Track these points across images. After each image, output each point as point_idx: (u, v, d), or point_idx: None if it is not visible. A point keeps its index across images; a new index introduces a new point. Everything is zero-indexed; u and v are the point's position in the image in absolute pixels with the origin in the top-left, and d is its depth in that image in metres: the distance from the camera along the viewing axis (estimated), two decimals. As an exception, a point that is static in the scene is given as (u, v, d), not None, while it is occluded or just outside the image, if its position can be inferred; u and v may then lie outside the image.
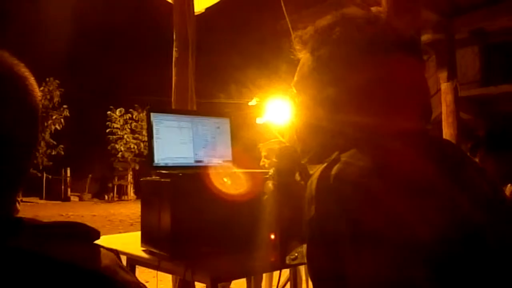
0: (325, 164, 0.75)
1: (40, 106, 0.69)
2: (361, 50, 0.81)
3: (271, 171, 1.29)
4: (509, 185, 2.06)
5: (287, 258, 1.09)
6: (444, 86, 5.03)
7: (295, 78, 0.91)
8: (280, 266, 1.29)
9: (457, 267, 0.68)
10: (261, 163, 3.54)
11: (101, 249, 0.64)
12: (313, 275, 0.77)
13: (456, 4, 4.94)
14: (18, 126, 0.63)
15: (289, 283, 3.05)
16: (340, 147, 0.78)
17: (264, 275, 3.51)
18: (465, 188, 0.77)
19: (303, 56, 0.89)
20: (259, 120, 7.92)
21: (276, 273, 3.29)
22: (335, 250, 0.70)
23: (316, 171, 0.76)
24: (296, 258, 1.08)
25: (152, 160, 1.70)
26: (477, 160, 2.06)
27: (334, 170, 0.73)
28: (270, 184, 1.24)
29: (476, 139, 2.23)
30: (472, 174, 0.82)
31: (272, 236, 1.20)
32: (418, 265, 0.66)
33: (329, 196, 0.72)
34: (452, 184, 0.76)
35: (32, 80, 0.68)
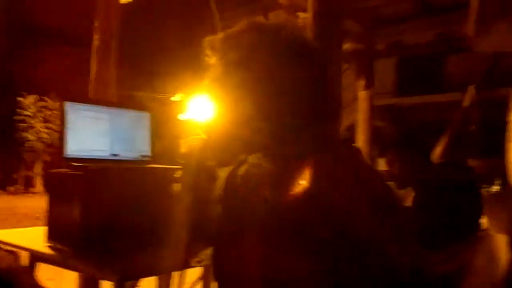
0: (233, 165, 0.77)
1: None
2: (267, 57, 0.83)
3: (181, 172, 1.27)
4: (412, 191, 2.20)
5: (193, 260, 1.08)
6: (361, 95, 5.28)
7: (206, 82, 0.92)
8: (188, 266, 1.28)
9: (351, 270, 0.71)
10: (180, 160, 3.50)
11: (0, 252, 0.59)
12: (217, 276, 0.77)
13: (377, 16, 5.20)
14: None
15: (201, 282, 3.03)
16: (248, 150, 0.79)
17: (174, 274, 3.46)
18: (365, 191, 0.80)
19: (213, 61, 0.90)
20: (181, 116, 7.76)
21: (188, 272, 3.26)
22: (241, 249, 0.71)
23: (224, 172, 0.77)
24: (202, 260, 1.08)
25: (64, 151, 1.61)
26: (385, 162, 2.19)
27: (241, 170, 0.74)
28: (179, 184, 1.23)
29: (385, 143, 2.37)
30: (370, 178, 0.87)
31: (181, 236, 1.19)
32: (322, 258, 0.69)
33: (236, 196, 0.73)
34: (353, 188, 0.79)
35: None
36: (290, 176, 0.74)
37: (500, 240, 1.77)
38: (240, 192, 0.73)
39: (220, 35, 0.90)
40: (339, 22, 2.37)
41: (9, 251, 0.58)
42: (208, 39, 0.92)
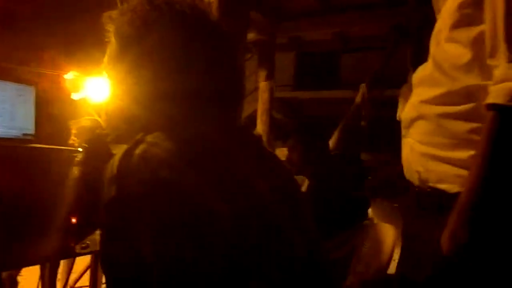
0: (129, 144, 0.71)
1: None
2: (163, 33, 0.79)
3: (79, 155, 1.18)
4: (306, 180, 2.29)
5: (77, 246, 1.01)
6: (262, 85, 5.37)
7: (105, 58, 0.85)
8: (73, 254, 1.19)
9: (251, 255, 0.70)
10: (70, 141, 3.27)
11: None
12: (106, 261, 0.71)
13: (281, 10, 5.32)
14: None
15: (89, 270, 2.88)
16: (146, 129, 0.74)
17: (62, 262, 3.25)
18: (267, 177, 0.80)
19: (111, 36, 0.84)
20: (75, 96, 7.30)
21: (77, 260, 3.07)
22: (134, 233, 0.66)
23: (119, 151, 0.71)
24: (87, 246, 1.01)
25: None
26: (286, 149, 2.27)
27: (138, 150, 0.69)
28: (76, 169, 1.13)
29: (283, 134, 2.46)
30: (272, 165, 0.86)
31: (71, 222, 1.09)
32: (213, 252, 0.66)
33: (132, 176, 0.68)
34: (254, 172, 0.78)
35: None
36: (190, 158, 0.71)
37: (385, 228, 1.90)
38: (138, 172, 0.68)
39: (117, 9, 0.83)
40: (245, 11, 2.36)
41: None
42: (106, 14, 0.85)
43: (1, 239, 1.37)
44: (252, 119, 5.35)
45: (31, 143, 1.64)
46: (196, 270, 0.66)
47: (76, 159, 1.21)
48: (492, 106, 0.97)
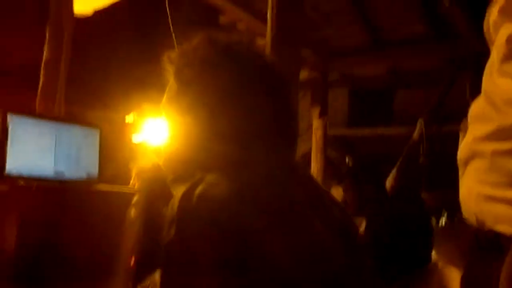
0: (188, 185, 0.72)
1: None
2: (221, 75, 0.81)
3: (136, 196, 1.21)
4: (364, 221, 2.22)
5: (139, 287, 1.02)
6: (315, 123, 5.36)
7: (163, 99, 0.89)
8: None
9: None
10: (131, 183, 3.38)
11: None
12: None
13: (333, 47, 5.35)
14: None
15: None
16: (204, 169, 0.75)
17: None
18: (324, 218, 0.78)
19: (170, 77, 0.87)
20: (135, 138, 7.61)
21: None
22: (194, 274, 0.66)
23: (178, 191, 0.72)
24: (147, 287, 1.02)
25: (3, 167, 1.50)
26: (341, 190, 2.22)
27: (198, 190, 0.70)
28: (133, 210, 1.16)
29: (339, 173, 2.42)
30: (329, 205, 0.85)
31: (130, 264, 1.11)
32: None
33: (191, 217, 0.68)
34: (312, 213, 0.77)
35: None
36: (249, 199, 0.71)
37: (450, 272, 1.79)
38: (197, 213, 0.68)
39: (176, 51, 0.87)
40: (297, 50, 2.40)
41: None
42: (166, 55, 0.88)
43: (61, 281, 1.42)
44: (307, 158, 5.32)
45: (95, 185, 1.71)
46: None
47: (133, 201, 1.24)
48: None
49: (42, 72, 2.82)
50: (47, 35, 2.90)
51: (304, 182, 0.85)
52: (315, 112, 5.35)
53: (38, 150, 1.61)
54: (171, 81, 0.88)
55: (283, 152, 0.84)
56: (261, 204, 0.72)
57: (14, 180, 1.48)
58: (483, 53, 1.19)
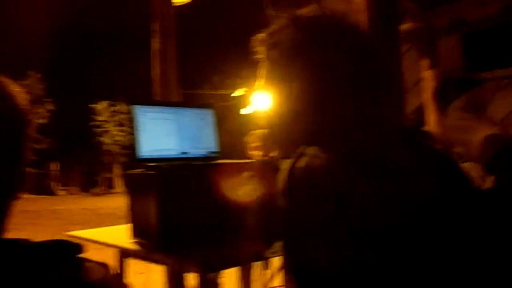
0: (293, 158, 0.78)
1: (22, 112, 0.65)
2: (311, 53, 0.84)
3: (251, 170, 1.29)
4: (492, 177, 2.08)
5: (267, 251, 1.10)
6: (426, 74, 5.08)
7: (261, 74, 0.94)
8: (264, 258, 1.30)
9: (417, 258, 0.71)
10: (249, 153, 3.54)
11: (89, 264, 0.63)
12: (290, 267, 0.79)
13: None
14: None
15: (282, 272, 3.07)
16: (305, 142, 0.80)
17: (254, 265, 3.54)
18: (434, 174, 0.79)
19: (269, 51, 0.92)
20: (244, 111, 7.90)
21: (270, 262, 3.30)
22: (309, 241, 0.72)
23: (284, 165, 0.78)
24: (276, 251, 1.10)
25: (137, 153, 1.70)
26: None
27: (302, 162, 0.75)
28: (251, 183, 1.25)
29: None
30: (440, 161, 0.85)
31: (259, 229, 1.22)
32: (384, 257, 0.69)
33: (298, 188, 0.74)
34: (419, 171, 0.78)
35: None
36: (350, 166, 0.75)
37: None
38: (303, 184, 0.75)
39: (264, 32, 0.92)
40: (396, 3, 2.31)
41: (101, 263, 0.61)
42: (255, 38, 0.94)
43: (203, 245, 1.59)
44: (420, 112, 5.08)
45: (217, 160, 1.87)
46: (369, 274, 0.69)
47: (250, 174, 1.33)
48: None
49: (154, 62, 3.07)
50: (155, 27, 3.14)
51: (410, 142, 0.86)
52: (424, 64, 5.07)
53: (163, 134, 1.79)
54: (262, 59, 0.93)
55: (380, 115, 0.86)
56: (360, 169, 0.75)
57: (147, 163, 1.67)
58: None
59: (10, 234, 0.65)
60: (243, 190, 1.34)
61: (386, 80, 0.88)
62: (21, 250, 0.60)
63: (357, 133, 0.81)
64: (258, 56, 0.93)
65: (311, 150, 0.77)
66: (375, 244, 0.70)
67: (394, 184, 0.75)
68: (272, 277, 3.47)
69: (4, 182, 0.64)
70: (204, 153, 1.88)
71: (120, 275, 1.72)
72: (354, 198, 0.72)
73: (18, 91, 0.66)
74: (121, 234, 1.82)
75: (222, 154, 1.91)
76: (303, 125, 0.85)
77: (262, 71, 0.93)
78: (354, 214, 0.71)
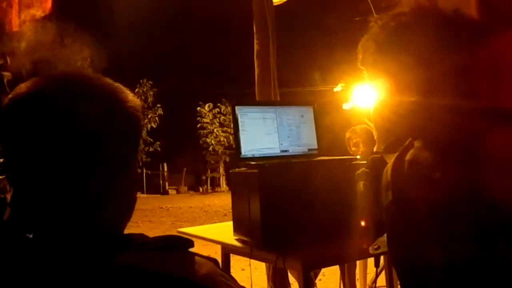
0: (398, 152, 0.75)
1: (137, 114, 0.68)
2: (417, 43, 0.79)
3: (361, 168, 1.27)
4: None
5: (370, 248, 1.08)
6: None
7: (365, 69, 0.90)
8: (366, 255, 1.28)
9: None
10: (352, 150, 3.47)
11: (198, 258, 0.64)
12: (395, 261, 0.76)
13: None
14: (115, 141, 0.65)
15: (384, 271, 2.98)
16: (410, 135, 0.76)
17: (358, 262, 3.47)
18: None
19: (379, 38, 0.88)
20: (345, 106, 7.77)
21: (370, 261, 3.22)
22: (417, 235, 0.69)
23: (391, 159, 0.76)
24: (379, 247, 1.07)
25: (239, 152, 1.75)
26: None
27: (408, 156, 0.72)
28: (361, 185, 1.23)
29: None
30: None
31: (362, 225, 1.19)
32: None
33: (404, 181, 0.72)
34: None
35: (120, 91, 0.68)
36: (460, 160, 0.70)
37: None
38: (409, 177, 0.72)
39: (372, 22, 0.89)
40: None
41: (209, 258, 0.63)
42: (374, 18, 0.91)
43: (304, 242, 1.59)
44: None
45: (317, 157, 1.85)
46: (498, 272, 0.64)
47: (358, 172, 1.30)
48: None
49: (255, 63, 3.13)
50: (254, 28, 3.20)
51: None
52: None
53: (264, 133, 1.82)
54: (369, 50, 0.90)
55: (495, 104, 0.79)
56: (466, 158, 0.70)
57: (249, 161, 1.71)
58: None
59: (129, 230, 0.70)
60: (340, 186, 1.31)
61: (504, 68, 0.80)
62: (137, 246, 0.63)
63: (472, 124, 0.75)
64: (362, 51, 0.90)
65: (417, 143, 0.74)
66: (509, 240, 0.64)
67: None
68: (376, 276, 3.37)
69: (132, 182, 0.68)
70: (304, 150, 1.87)
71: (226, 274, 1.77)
72: (480, 192, 0.66)
73: (134, 98, 0.69)
74: (225, 231, 1.88)
75: (324, 150, 1.90)
76: (410, 119, 0.81)
77: (368, 63, 0.90)
78: (482, 208, 0.65)
